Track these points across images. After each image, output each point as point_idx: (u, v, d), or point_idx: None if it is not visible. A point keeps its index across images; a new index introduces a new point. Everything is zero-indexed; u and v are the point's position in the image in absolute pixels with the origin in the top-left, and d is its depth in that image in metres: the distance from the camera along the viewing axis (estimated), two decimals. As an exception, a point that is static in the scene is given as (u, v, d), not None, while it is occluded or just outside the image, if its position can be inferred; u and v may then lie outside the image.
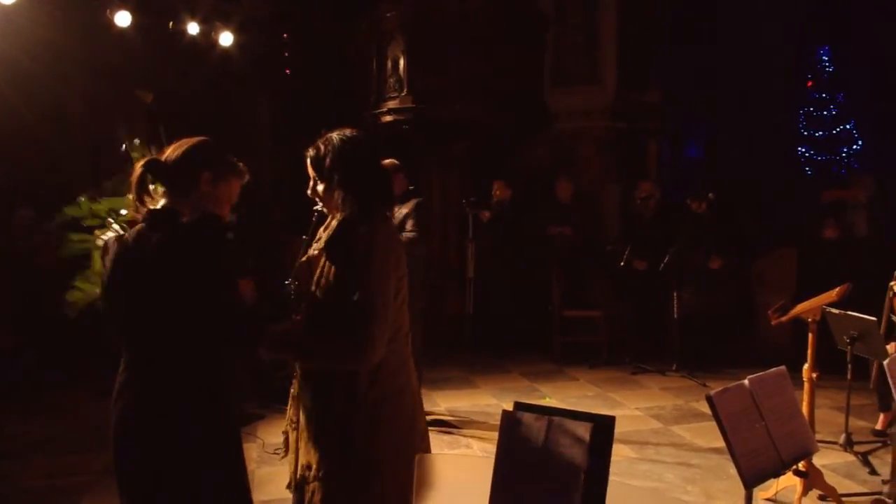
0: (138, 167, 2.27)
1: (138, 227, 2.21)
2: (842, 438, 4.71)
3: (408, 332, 2.42)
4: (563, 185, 7.86)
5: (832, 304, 4.15)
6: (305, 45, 9.10)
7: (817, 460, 3.91)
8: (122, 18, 6.81)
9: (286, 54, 9.18)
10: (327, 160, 2.35)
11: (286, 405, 2.45)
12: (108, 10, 6.74)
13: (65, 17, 6.92)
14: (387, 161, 5.20)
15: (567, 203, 7.85)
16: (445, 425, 5.31)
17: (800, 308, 4.11)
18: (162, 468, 2.11)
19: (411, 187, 5.27)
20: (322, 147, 2.37)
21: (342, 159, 2.34)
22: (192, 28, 7.44)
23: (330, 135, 2.40)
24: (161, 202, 2.25)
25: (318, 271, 2.32)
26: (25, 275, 6.63)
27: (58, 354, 6.50)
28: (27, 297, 6.46)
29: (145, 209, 2.24)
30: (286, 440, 2.46)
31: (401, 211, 5.13)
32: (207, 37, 7.66)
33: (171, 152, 2.30)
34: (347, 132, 2.39)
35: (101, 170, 8.20)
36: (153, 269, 2.11)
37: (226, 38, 7.74)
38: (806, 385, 4.01)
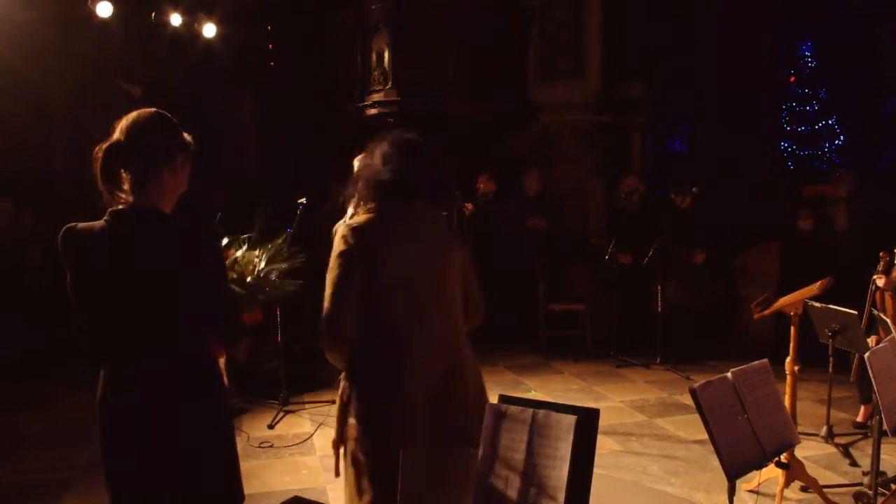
0: (99, 155, 2.04)
1: (118, 220, 2.03)
2: (823, 430, 4.76)
3: (392, 334, 2.35)
4: (531, 180, 7.83)
5: (814, 298, 4.19)
6: (290, 37, 9.04)
7: (799, 452, 3.94)
8: (104, 9, 6.73)
9: (270, 46, 9.12)
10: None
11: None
12: (88, 1, 6.66)
13: (46, 7, 6.84)
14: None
15: (532, 197, 7.84)
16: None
17: (782, 302, 4.14)
18: (165, 462, 2.06)
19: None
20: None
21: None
22: (175, 19, 7.37)
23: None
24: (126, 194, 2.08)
25: None
26: (7, 269, 6.57)
27: (38, 350, 6.45)
28: (10, 291, 6.40)
29: (122, 202, 2.06)
30: None
31: None
32: (190, 28, 7.59)
33: (131, 129, 2.07)
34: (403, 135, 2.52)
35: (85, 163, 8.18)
36: (148, 263, 2.02)
37: (209, 30, 7.68)
38: (788, 378, 4.05)
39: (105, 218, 2.03)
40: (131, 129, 2.07)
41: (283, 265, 4.93)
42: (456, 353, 2.46)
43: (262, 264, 4.87)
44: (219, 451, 2.18)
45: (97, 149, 2.06)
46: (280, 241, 5.29)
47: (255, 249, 4.94)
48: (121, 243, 2.02)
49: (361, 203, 2.46)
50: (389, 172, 2.42)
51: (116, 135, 2.08)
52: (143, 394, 2.05)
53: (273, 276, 4.82)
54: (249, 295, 4.69)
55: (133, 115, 2.10)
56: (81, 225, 2.03)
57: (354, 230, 2.34)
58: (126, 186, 2.07)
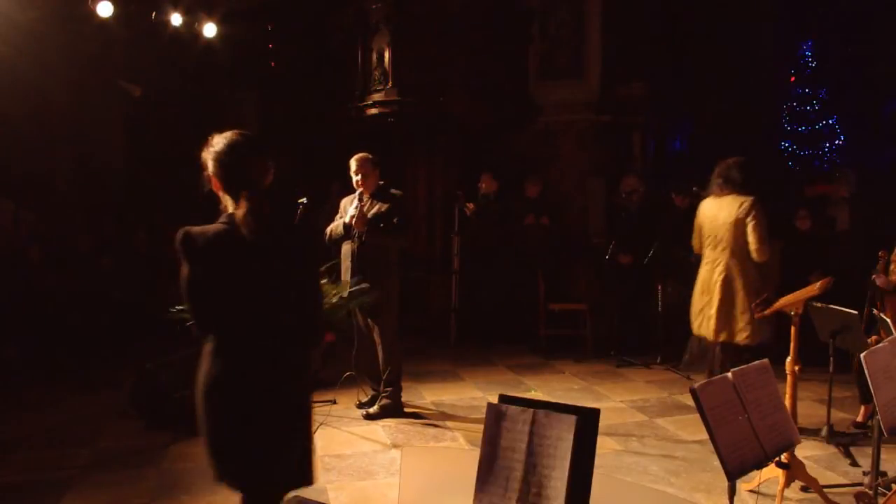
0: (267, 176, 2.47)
1: (246, 223, 2.36)
2: (824, 430, 4.75)
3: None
4: (531, 185, 7.87)
5: (814, 298, 4.18)
6: (290, 36, 9.05)
7: (799, 452, 3.94)
8: (104, 9, 6.73)
9: (270, 46, 9.12)
10: None
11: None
12: (89, 0, 6.66)
13: (46, 7, 6.84)
14: (361, 155, 5.18)
15: (535, 197, 7.85)
16: (430, 418, 5.32)
17: (783, 301, 4.14)
18: (263, 435, 2.43)
19: (381, 182, 5.23)
20: None
21: None
22: (175, 19, 7.37)
23: None
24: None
25: None
26: (7, 268, 6.57)
27: (38, 350, 6.46)
28: (10, 292, 6.41)
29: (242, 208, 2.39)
30: None
31: (378, 206, 5.11)
32: (191, 28, 7.59)
33: (237, 149, 2.43)
34: None
35: (87, 164, 8.21)
36: (264, 259, 2.39)
37: (209, 30, 7.68)
38: (788, 378, 4.05)
39: (222, 221, 2.39)
40: (245, 150, 2.47)
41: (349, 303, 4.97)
42: None
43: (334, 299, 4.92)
44: (303, 430, 2.57)
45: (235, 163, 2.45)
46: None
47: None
48: (242, 242, 2.36)
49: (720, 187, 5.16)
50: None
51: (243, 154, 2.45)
52: (251, 371, 2.39)
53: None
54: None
55: (234, 136, 2.46)
56: (196, 229, 2.36)
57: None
58: (241, 198, 2.41)
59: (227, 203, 2.45)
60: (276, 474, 2.48)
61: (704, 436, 2.53)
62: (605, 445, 4.69)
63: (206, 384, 2.41)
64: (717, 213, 5.16)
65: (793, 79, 14.45)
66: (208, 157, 2.45)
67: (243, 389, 2.39)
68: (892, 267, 4.80)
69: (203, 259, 2.34)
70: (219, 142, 2.45)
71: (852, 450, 4.58)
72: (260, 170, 2.47)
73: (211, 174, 2.45)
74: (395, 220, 5.04)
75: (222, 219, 2.40)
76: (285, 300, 2.43)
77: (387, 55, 7.69)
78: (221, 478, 2.46)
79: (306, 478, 2.57)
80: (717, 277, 5.11)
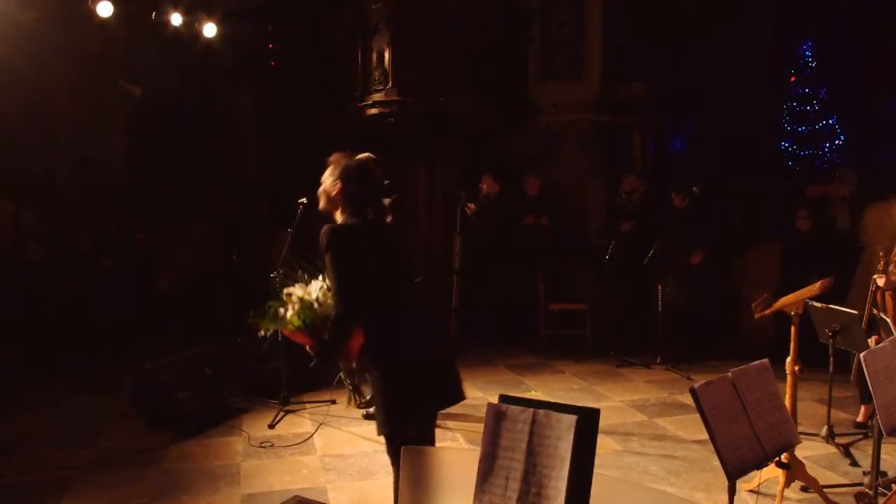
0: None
1: (378, 220, 3.08)
2: (824, 430, 4.75)
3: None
4: (531, 184, 7.87)
5: (815, 298, 4.18)
6: (290, 36, 9.03)
7: (799, 452, 3.94)
8: (104, 9, 6.72)
9: (270, 46, 9.11)
10: None
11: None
12: (89, 0, 6.66)
13: (46, 7, 6.84)
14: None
15: (534, 196, 7.85)
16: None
17: (783, 301, 4.13)
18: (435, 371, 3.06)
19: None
20: None
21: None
22: (175, 19, 7.37)
23: None
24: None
25: None
26: (7, 268, 6.57)
27: (38, 350, 6.45)
28: (10, 292, 6.40)
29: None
30: None
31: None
32: (191, 28, 7.58)
33: (370, 169, 3.18)
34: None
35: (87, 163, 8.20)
36: (393, 246, 3.15)
37: (209, 30, 7.67)
38: (788, 378, 4.05)
39: (358, 220, 3.00)
40: (374, 171, 3.30)
41: None
42: None
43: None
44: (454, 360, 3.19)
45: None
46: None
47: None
48: (377, 232, 3.09)
49: None
50: None
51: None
52: (407, 327, 3.01)
53: None
54: None
55: (366, 161, 3.29)
56: (337, 225, 3.00)
57: None
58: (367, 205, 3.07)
59: (341, 210, 3.02)
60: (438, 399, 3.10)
61: (704, 436, 2.53)
62: (605, 445, 4.69)
63: (373, 346, 2.94)
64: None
65: (793, 79, 14.43)
66: (339, 173, 3.04)
67: (402, 343, 2.96)
68: (891, 268, 4.80)
69: (350, 246, 2.92)
70: (350, 164, 3.08)
71: (852, 450, 4.59)
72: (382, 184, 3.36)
73: (340, 187, 3.00)
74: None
75: (349, 219, 3.00)
76: (405, 271, 3.19)
77: (387, 55, 7.68)
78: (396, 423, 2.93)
79: (462, 395, 3.14)
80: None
